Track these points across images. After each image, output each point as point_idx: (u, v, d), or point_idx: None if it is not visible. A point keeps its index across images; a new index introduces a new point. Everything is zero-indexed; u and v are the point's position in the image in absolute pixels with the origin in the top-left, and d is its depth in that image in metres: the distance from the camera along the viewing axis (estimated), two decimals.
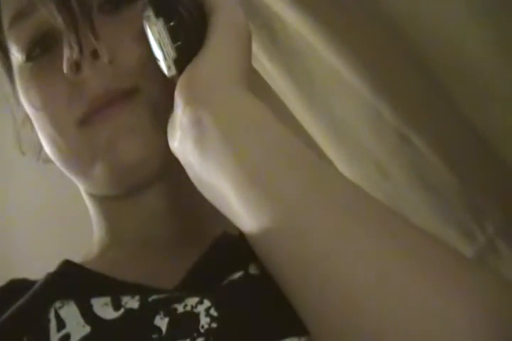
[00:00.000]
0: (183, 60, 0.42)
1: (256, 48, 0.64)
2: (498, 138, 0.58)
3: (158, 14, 0.43)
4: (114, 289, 0.42)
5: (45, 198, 0.84)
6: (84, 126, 0.47)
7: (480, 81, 0.56)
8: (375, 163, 0.64)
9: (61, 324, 0.40)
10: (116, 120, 0.46)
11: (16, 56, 0.50)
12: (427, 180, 0.61)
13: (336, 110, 0.64)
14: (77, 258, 0.47)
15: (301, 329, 0.38)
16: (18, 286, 0.45)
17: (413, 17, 0.57)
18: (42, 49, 0.49)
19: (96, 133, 0.46)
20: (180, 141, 0.41)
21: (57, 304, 0.41)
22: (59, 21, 0.45)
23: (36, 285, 0.44)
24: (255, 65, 0.67)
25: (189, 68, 0.42)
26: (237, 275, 0.42)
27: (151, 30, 0.43)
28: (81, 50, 0.44)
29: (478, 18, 0.54)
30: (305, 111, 0.66)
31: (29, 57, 0.49)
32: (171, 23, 0.43)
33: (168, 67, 0.43)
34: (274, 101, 0.67)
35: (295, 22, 0.60)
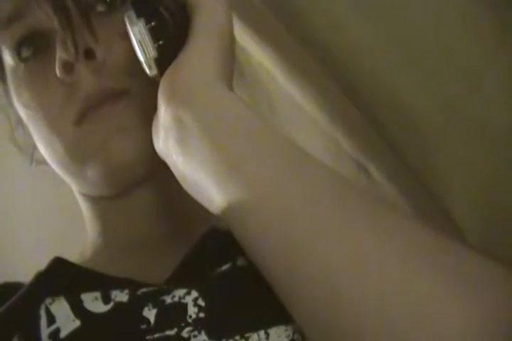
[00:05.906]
0: (164, 59, 0.43)
1: None
2: (442, 188, 0.57)
3: (139, 15, 0.44)
4: (104, 284, 0.43)
5: (47, 198, 0.83)
6: (78, 125, 0.47)
7: (421, 132, 0.56)
8: None
9: (51, 319, 0.41)
10: (108, 120, 0.46)
11: (8, 57, 0.50)
12: None
13: (295, 138, 0.66)
14: (74, 259, 0.47)
15: (289, 318, 0.38)
16: (10, 289, 0.45)
17: (356, 65, 0.58)
18: (34, 50, 0.49)
19: (89, 132, 0.47)
20: (164, 140, 0.42)
21: (48, 300, 0.42)
22: (55, 22, 0.45)
23: (27, 283, 0.44)
24: None
25: (171, 68, 0.42)
26: (225, 267, 0.43)
27: (132, 30, 0.44)
28: (77, 51, 0.44)
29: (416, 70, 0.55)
30: None
31: (21, 58, 0.49)
32: (152, 24, 0.43)
33: (149, 67, 0.44)
34: None
35: (258, 55, 0.62)
